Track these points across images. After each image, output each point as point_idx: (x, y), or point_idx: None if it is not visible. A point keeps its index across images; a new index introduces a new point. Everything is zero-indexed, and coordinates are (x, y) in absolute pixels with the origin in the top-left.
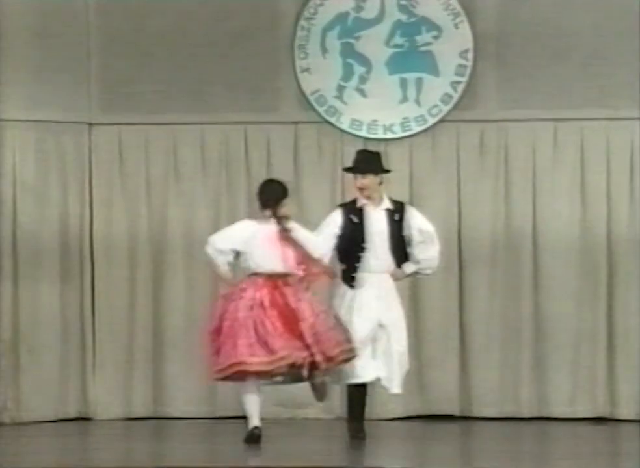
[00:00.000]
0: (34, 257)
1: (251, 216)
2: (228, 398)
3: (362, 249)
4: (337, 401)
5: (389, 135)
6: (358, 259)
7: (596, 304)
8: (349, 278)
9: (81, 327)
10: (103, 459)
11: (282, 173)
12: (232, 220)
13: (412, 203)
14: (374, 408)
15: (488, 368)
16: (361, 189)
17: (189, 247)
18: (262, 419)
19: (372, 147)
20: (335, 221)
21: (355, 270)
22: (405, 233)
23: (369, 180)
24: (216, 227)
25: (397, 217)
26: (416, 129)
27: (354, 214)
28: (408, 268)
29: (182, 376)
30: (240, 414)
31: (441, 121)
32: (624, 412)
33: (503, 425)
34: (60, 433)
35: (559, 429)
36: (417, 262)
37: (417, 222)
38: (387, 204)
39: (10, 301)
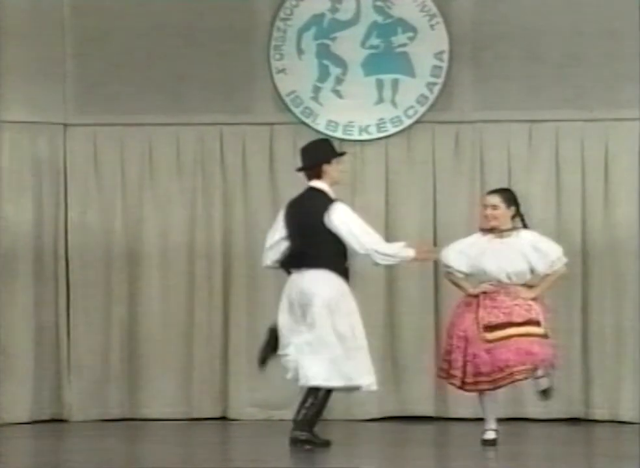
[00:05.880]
0: (8, 259)
1: (226, 218)
2: (204, 399)
3: None
4: None
5: (365, 136)
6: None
7: (571, 304)
8: (348, 273)
9: (56, 328)
10: (79, 461)
11: (258, 175)
12: (208, 221)
13: (387, 204)
14: (350, 409)
15: None
16: (342, 174)
17: (165, 249)
18: (237, 420)
19: (347, 148)
20: None
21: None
22: None
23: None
24: (191, 228)
25: None
26: (392, 130)
27: None
28: None
29: (158, 377)
30: (215, 415)
31: (417, 122)
32: (598, 413)
33: (478, 426)
34: (34, 435)
35: (533, 429)
36: None
37: None
38: None
39: None
